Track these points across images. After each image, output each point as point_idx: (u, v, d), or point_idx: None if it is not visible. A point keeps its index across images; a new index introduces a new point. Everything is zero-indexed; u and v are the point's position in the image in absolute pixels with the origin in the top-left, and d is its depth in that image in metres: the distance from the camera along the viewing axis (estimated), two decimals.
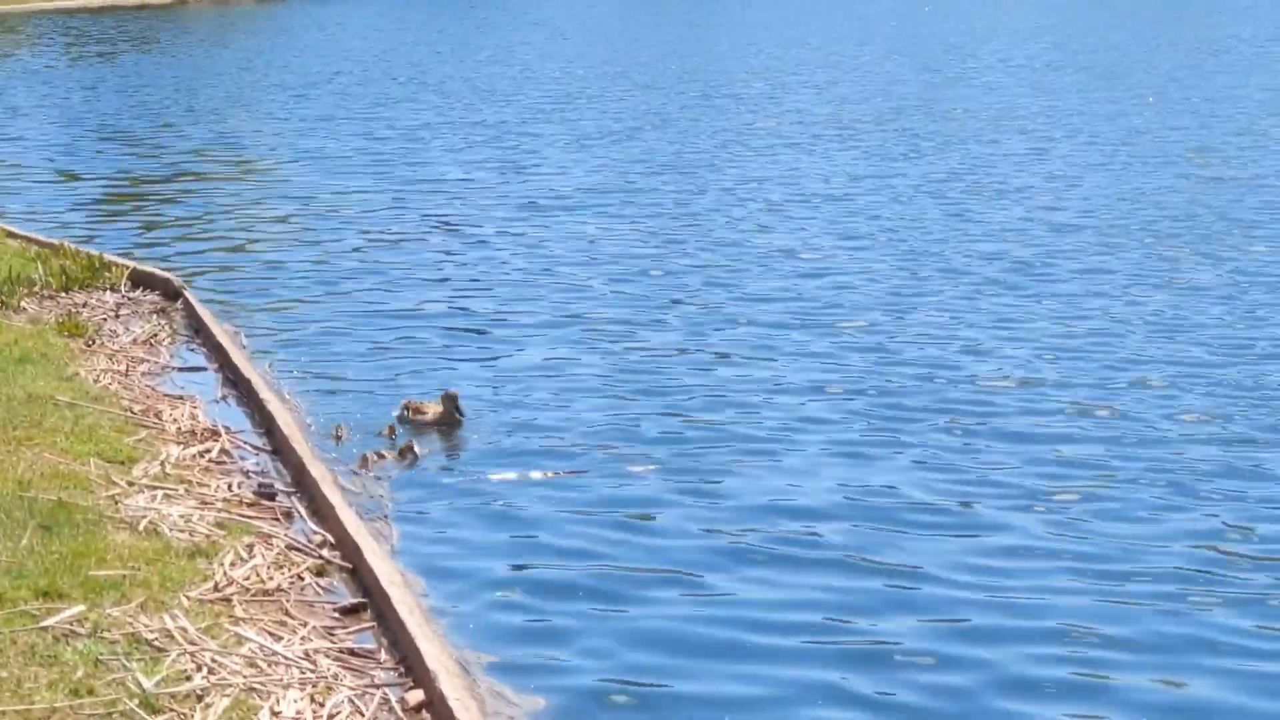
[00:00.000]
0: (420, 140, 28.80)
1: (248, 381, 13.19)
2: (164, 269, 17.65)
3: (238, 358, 13.97)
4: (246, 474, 11.28)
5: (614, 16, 59.98)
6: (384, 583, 9.11)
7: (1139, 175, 23.20)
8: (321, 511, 10.42)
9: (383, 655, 8.56)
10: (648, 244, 19.35)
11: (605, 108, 32.77)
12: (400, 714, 7.91)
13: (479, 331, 15.51)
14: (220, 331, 14.94)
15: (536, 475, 11.40)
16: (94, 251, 17.89)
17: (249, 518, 10.31)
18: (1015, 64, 39.20)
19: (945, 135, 27.57)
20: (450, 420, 12.42)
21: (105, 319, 15.68)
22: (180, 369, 14.17)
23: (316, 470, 10.98)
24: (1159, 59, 38.00)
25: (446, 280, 17.73)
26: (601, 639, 8.94)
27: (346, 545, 9.83)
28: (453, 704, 7.71)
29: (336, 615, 9.06)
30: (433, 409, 12.52)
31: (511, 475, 11.39)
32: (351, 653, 8.57)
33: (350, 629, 8.88)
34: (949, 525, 10.46)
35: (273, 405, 12.47)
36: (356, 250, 19.46)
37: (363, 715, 7.87)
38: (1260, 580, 9.58)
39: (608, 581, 9.67)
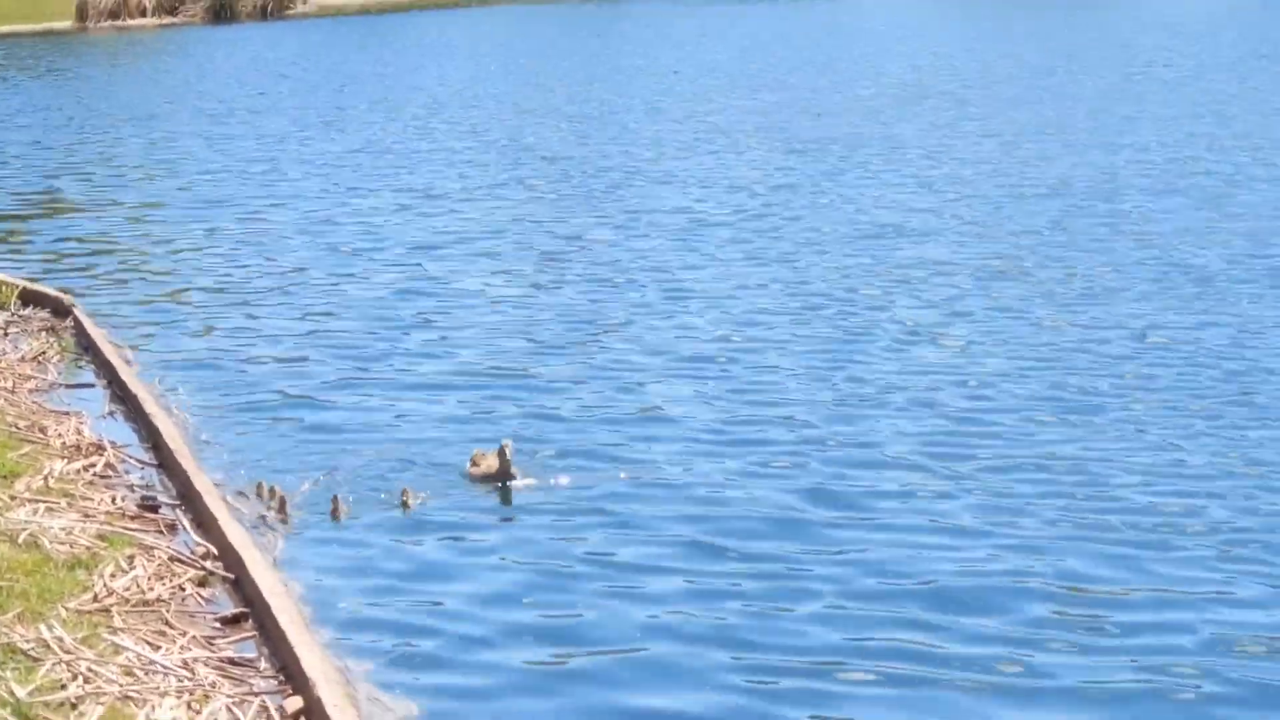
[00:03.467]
0: (313, 164, 28.68)
1: (135, 397, 13.10)
2: (54, 287, 17.52)
3: (125, 374, 13.88)
4: (131, 487, 11.22)
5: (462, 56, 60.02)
6: (266, 593, 9.07)
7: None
8: (206, 523, 10.37)
9: (263, 664, 8.53)
10: (539, 281, 19.36)
11: (512, 140, 32.78)
12: None
13: (368, 352, 15.43)
14: (109, 349, 14.84)
15: (422, 496, 11.30)
16: None
17: (132, 530, 10.25)
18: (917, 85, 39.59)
19: (847, 159, 27.73)
20: (505, 475, 11.41)
21: None
22: (68, 386, 14.07)
23: (201, 483, 10.93)
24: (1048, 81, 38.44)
25: (338, 303, 17.64)
26: (479, 651, 8.96)
27: (230, 556, 9.78)
28: (330, 710, 7.70)
29: (218, 625, 9.03)
30: (485, 461, 11.58)
31: (397, 492, 11.30)
32: (231, 661, 8.54)
33: (231, 638, 8.85)
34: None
35: (159, 420, 12.39)
36: (248, 272, 19.37)
37: None
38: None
39: (487, 597, 9.66)
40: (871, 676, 8.60)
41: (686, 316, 16.63)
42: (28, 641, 8.27)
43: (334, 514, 10.87)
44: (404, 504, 11.06)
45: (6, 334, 15.79)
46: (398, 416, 13.23)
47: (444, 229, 21.94)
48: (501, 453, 11.43)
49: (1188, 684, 8.48)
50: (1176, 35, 54.31)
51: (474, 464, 11.64)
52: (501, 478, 11.42)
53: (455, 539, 10.62)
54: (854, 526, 10.71)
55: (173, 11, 73.70)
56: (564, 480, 11.53)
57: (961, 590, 9.66)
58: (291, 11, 76.57)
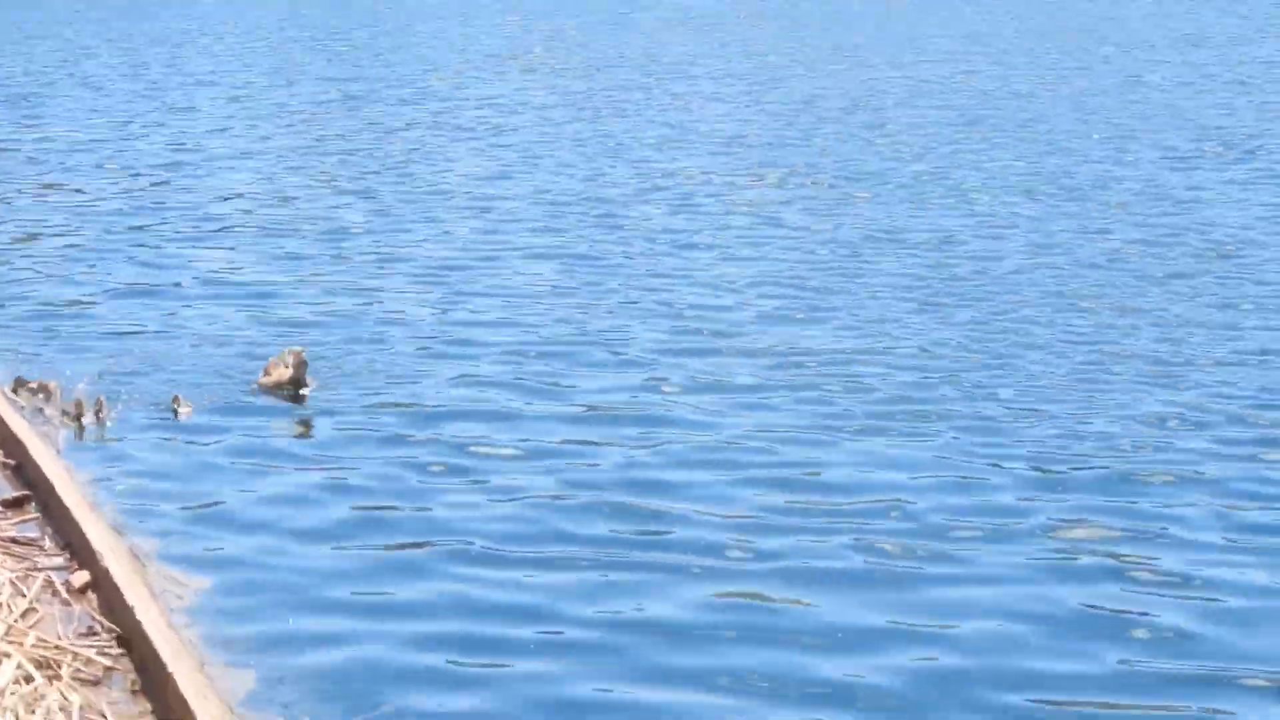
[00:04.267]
0: (90, 84, 28.09)
1: None
2: None
3: None
4: None
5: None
6: (49, 475, 8.97)
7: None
8: None
9: (47, 543, 8.45)
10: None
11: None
12: (65, 595, 7.82)
13: (148, 258, 15.26)
14: None
15: (202, 400, 11.17)
16: None
17: None
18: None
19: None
20: (297, 383, 11.32)
21: None
22: None
23: None
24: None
25: (118, 208, 17.39)
26: (263, 522, 9.10)
27: (10, 444, 9.64)
28: (119, 581, 7.65)
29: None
30: (277, 370, 11.43)
31: (175, 395, 11.13)
32: (14, 541, 8.44)
33: (13, 520, 8.74)
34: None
35: None
36: (35, 173, 19.07)
37: (24, 596, 7.76)
38: None
39: (274, 489, 9.70)
40: (599, 571, 8.63)
41: (444, 225, 16.84)
42: None
43: (104, 414, 10.68)
44: (175, 409, 10.96)
45: None
46: (184, 322, 13.15)
47: (214, 136, 21.76)
48: (295, 361, 11.40)
49: (907, 564, 8.65)
50: None
51: (267, 373, 11.58)
52: (294, 385, 11.39)
53: (244, 440, 10.58)
54: (598, 422, 10.88)
55: None
56: (348, 386, 11.53)
57: (692, 481, 9.79)
58: None
